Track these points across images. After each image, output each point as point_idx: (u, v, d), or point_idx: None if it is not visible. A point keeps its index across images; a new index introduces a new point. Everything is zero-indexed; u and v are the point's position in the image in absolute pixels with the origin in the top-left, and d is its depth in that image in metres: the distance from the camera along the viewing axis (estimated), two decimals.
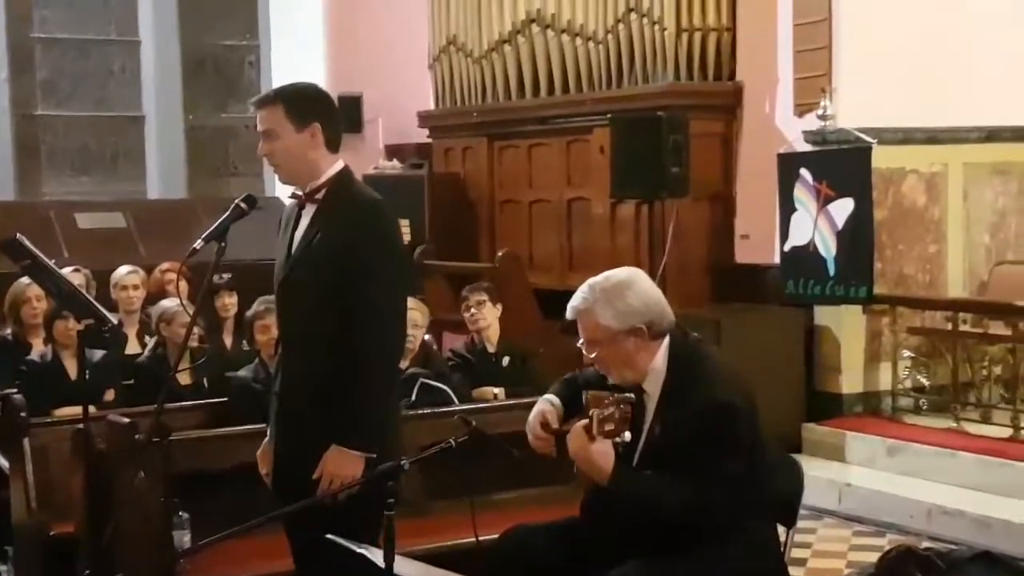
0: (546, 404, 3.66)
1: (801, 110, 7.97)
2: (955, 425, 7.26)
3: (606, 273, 3.57)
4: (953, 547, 2.93)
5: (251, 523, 3.25)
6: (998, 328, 7.35)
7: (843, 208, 7.48)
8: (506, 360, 6.42)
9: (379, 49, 11.01)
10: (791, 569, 3.74)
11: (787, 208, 7.77)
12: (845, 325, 7.82)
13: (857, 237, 7.42)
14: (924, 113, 7.77)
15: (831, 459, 7.43)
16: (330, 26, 11.54)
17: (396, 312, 3.63)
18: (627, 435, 3.40)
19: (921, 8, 7.83)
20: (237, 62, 12.30)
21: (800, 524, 3.91)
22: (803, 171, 7.67)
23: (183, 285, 5.94)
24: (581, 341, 3.56)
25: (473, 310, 6.45)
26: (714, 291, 8.56)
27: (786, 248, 7.82)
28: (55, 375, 5.99)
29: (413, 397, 5.47)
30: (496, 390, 6.17)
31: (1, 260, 5.01)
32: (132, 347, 6.77)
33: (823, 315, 7.91)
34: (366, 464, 3.51)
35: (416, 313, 5.97)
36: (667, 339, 3.53)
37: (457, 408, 5.23)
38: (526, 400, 4.82)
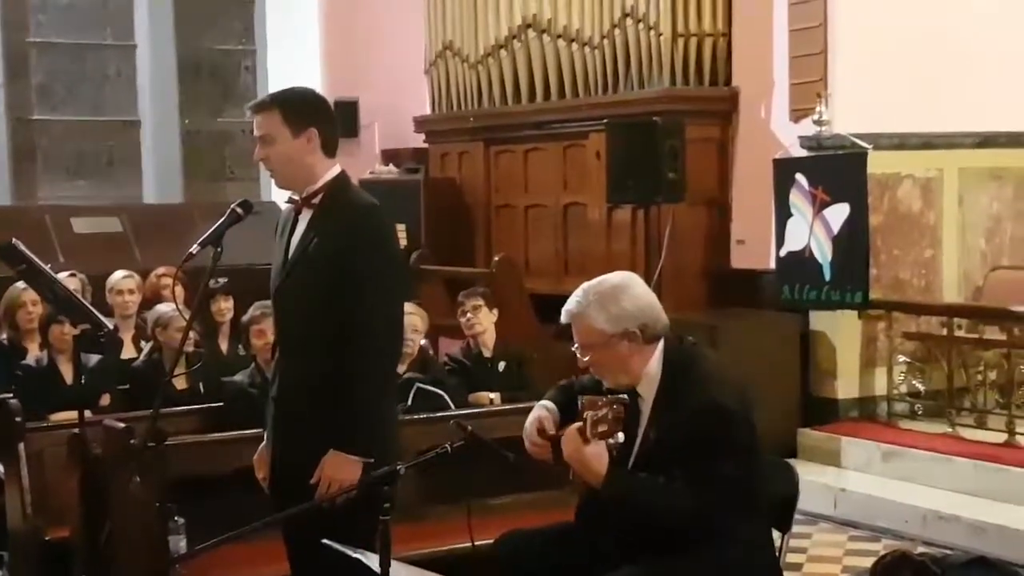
0: (542, 410, 3.67)
1: (797, 115, 7.98)
2: (950, 430, 7.27)
3: (600, 277, 3.58)
4: (948, 552, 2.93)
5: (247, 528, 3.24)
6: (993, 333, 7.37)
7: (839, 213, 7.48)
8: (502, 365, 6.43)
9: (375, 54, 11.02)
10: (786, 574, 3.74)
11: (783, 213, 7.78)
12: (841, 330, 7.83)
13: (853, 242, 7.43)
14: (919, 118, 7.79)
15: (826, 464, 7.43)
16: (326, 31, 11.54)
17: (392, 317, 3.64)
18: (620, 436, 3.41)
19: (916, 14, 7.84)
20: (233, 67, 12.29)
21: (795, 529, 3.92)
22: (799, 176, 7.68)
23: (179, 290, 5.91)
24: (575, 345, 3.56)
25: (469, 315, 6.46)
26: (710, 296, 8.57)
27: (782, 253, 7.83)
28: (51, 380, 5.98)
29: (409, 402, 5.48)
30: (492, 395, 6.18)
31: None
32: (128, 352, 6.77)
33: (819, 320, 7.92)
34: (363, 469, 3.51)
35: (416, 318, 5.98)
36: (661, 343, 3.53)
37: (453, 413, 5.25)
38: (522, 405, 4.83)
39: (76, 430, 4.66)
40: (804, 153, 7.83)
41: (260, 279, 4.14)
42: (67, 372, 5.95)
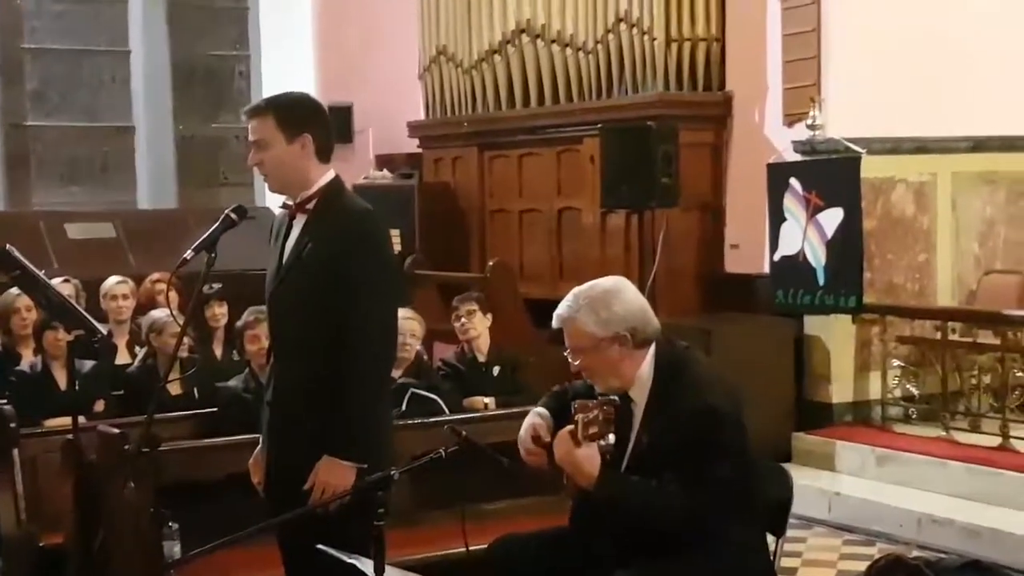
0: (536, 417, 3.67)
1: (790, 120, 7.99)
2: (944, 434, 7.28)
3: (591, 282, 3.60)
4: (942, 556, 2.94)
5: (241, 533, 3.24)
6: (987, 337, 7.37)
7: (832, 218, 7.49)
8: (496, 370, 6.43)
9: (369, 59, 11.02)
10: None
11: (777, 218, 7.79)
12: (835, 334, 7.84)
13: (846, 247, 7.44)
14: (913, 123, 7.80)
15: (821, 468, 7.44)
16: (320, 36, 11.55)
17: (386, 323, 3.64)
18: (611, 437, 3.42)
19: (910, 18, 7.86)
20: (227, 72, 12.29)
21: (790, 533, 3.92)
22: (793, 181, 7.69)
23: (173, 295, 5.95)
24: (567, 350, 3.57)
25: (463, 320, 6.46)
26: (704, 301, 8.58)
27: (776, 258, 7.83)
28: (45, 386, 5.98)
29: (404, 407, 5.48)
30: (487, 400, 6.18)
31: None
32: (122, 357, 6.76)
33: (813, 324, 7.92)
34: (357, 474, 3.51)
35: (414, 323, 5.99)
36: (653, 347, 3.54)
37: (447, 418, 5.24)
38: (517, 410, 4.84)
39: (70, 436, 4.66)
40: (798, 157, 7.84)
41: (254, 285, 4.14)
42: (61, 378, 5.94)
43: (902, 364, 7.72)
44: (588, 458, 3.40)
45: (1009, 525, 6.23)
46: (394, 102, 10.85)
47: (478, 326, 6.46)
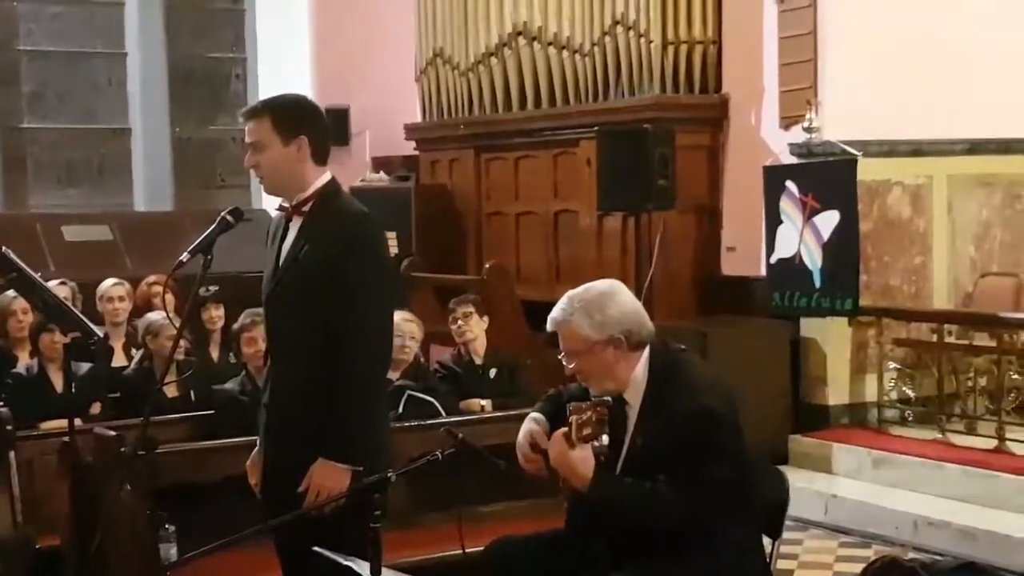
0: (532, 424, 3.67)
1: (787, 123, 8.00)
2: (940, 436, 7.28)
3: (585, 285, 3.60)
4: (938, 558, 2.94)
5: (237, 536, 3.25)
6: (983, 339, 7.38)
7: (829, 220, 7.50)
8: (493, 372, 6.43)
9: (366, 62, 11.02)
10: None
11: (773, 220, 7.80)
12: (831, 337, 7.84)
13: (843, 249, 7.45)
14: (909, 125, 7.81)
15: (817, 470, 7.44)
16: (317, 38, 11.55)
17: (383, 324, 3.64)
18: (605, 438, 3.43)
19: (906, 21, 7.87)
20: (224, 74, 12.29)
21: (786, 535, 3.92)
22: (789, 183, 7.70)
23: (169, 298, 5.93)
24: (561, 353, 3.57)
25: (460, 322, 6.46)
26: (700, 303, 8.58)
27: (772, 260, 7.84)
28: (41, 388, 5.98)
29: (400, 409, 5.48)
30: (483, 402, 6.18)
31: None
32: (119, 360, 6.76)
33: (809, 327, 7.93)
34: (353, 476, 3.51)
35: (413, 326, 6.00)
36: (647, 349, 3.54)
37: (444, 420, 5.24)
38: (513, 412, 4.85)
39: (66, 438, 4.66)
40: (794, 160, 7.85)
41: (251, 287, 4.13)
42: (57, 380, 5.94)
43: (898, 366, 7.72)
44: (582, 460, 3.41)
45: (1005, 527, 6.23)
46: (391, 104, 10.85)
47: (475, 328, 6.46)
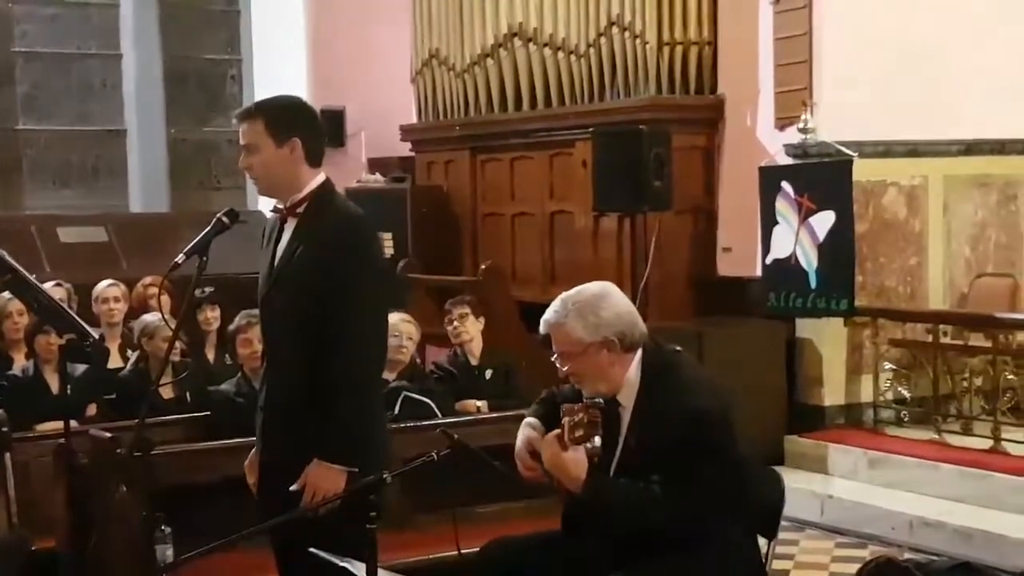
0: (528, 429, 3.65)
1: (782, 123, 8.01)
2: (936, 437, 7.29)
3: (578, 287, 3.59)
4: (934, 558, 2.95)
5: (233, 537, 3.24)
6: (978, 340, 7.39)
7: (824, 221, 7.51)
8: (489, 373, 6.43)
9: (362, 63, 11.02)
10: None
11: (769, 221, 7.80)
12: (827, 337, 7.85)
13: (838, 250, 7.45)
14: (904, 126, 7.82)
15: (813, 471, 7.45)
16: (312, 40, 11.54)
17: (377, 325, 3.64)
18: (597, 440, 3.42)
19: (901, 22, 7.88)
20: (219, 76, 12.29)
21: (782, 536, 3.93)
22: (784, 184, 7.71)
23: (165, 299, 5.93)
24: (555, 355, 3.57)
25: (456, 323, 6.46)
26: (696, 304, 8.58)
27: (768, 261, 7.85)
28: (37, 390, 5.97)
29: (396, 410, 5.48)
30: (479, 403, 6.18)
31: None
32: (114, 361, 6.75)
33: (805, 327, 7.94)
34: (348, 478, 3.51)
35: (410, 327, 6.01)
36: (640, 351, 3.54)
37: (440, 421, 5.24)
38: (509, 413, 4.85)
39: (62, 440, 4.65)
40: (790, 161, 7.86)
41: (247, 288, 4.14)
42: (53, 382, 5.94)
43: (894, 367, 7.73)
44: (575, 461, 3.41)
45: (1001, 527, 6.24)
46: (387, 105, 10.85)
47: (470, 329, 6.46)
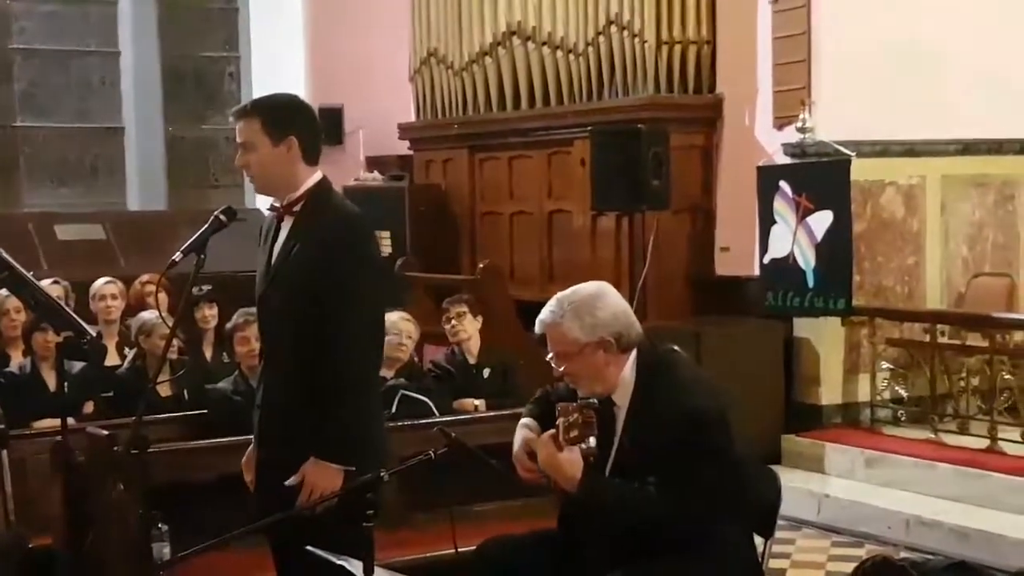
0: (525, 431, 3.64)
1: (781, 123, 8.01)
2: (933, 436, 7.29)
3: (573, 287, 3.58)
4: (930, 557, 2.95)
5: (230, 535, 3.25)
6: (976, 340, 7.39)
7: (822, 220, 7.52)
8: (487, 372, 6.43)
9: (360, 61, 11.02)
10: None
11: (767, 220, 7.81)
12: (824, 337, 7.86)
13: (836, 249, 7.46)
14: (902, 126, 7.83)
15: (810, 470, 7.45)
16: (311, 38, 11.55)
17: (374, 323, 3.64)
18: (592, 440, 3.42)
19: (899, 21, 7.88)
20: (217, 73, 12.28)
21: (779, 535, 3.93)
22: (783, 184, 7.71)
23: (163, 297, 5.94)
24: (550, 355, 3.56)
25: (454, 322, 6.46)
26: (694, 303, 8.58)
27: (766, 260, 7.85)
28: (34, 387, 5.97)
29: (394, 409, 5.48)
30: (477, 402, 6.18)
31: None
32: (112, 359, 6.75)
33: (802, 327, 7.94)
34: (345, 476, 3.51)
35: (409, 325, 6.01)
36: (635, 351, 3.53)
37: (437, 420, 5.24)
38: (507, 412, 4.85)
39: (59, 438, 4.65)
40: (788, 160, 7.86)
41: (244, 286, 4.14)
42: (50, 379, 5.93)
43: (891, 366, 7.74)
44: (570, 462, 3.41)
45: (998, 527, 6.25)
46: (385, 104, 10.85)
47: (468, 328, 6.46)
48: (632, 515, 3.42)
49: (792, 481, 6.80)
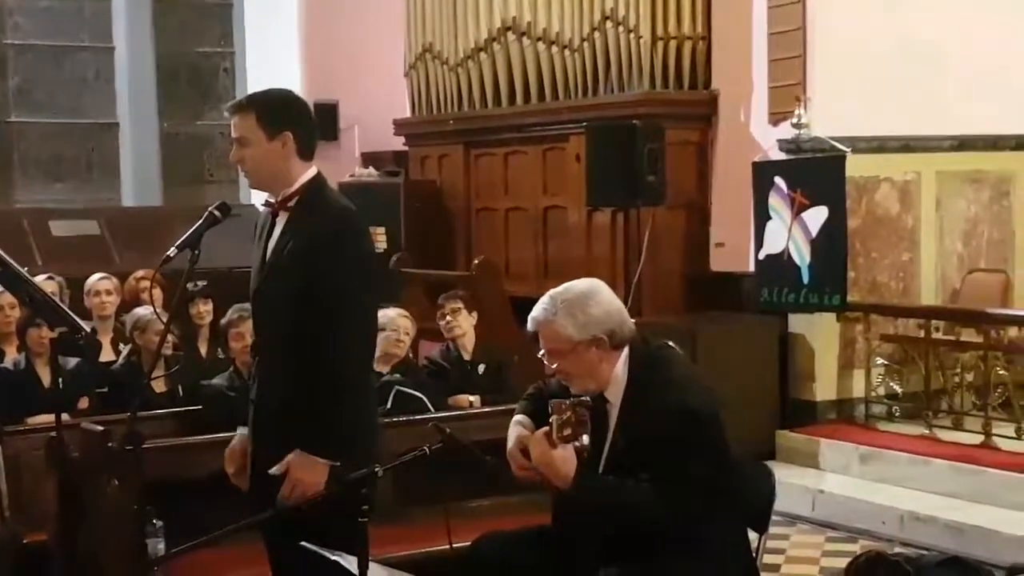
0: (519, 428, 3.63)
1: (776, 119, 8.01)
2: (927, 432, 7.31)
3: (565, 285, 3.57)
4: (924, 552, 2.96)
5: (225, 531, 3.24)
6: (970, 335, 7.41)
7: (817, 216, 7.52)
8: (482, 368, 6.43)
9: (355, 57, 11.01)
10: (763, 575, 3.76)
11: (762, 216, 7.81)
12: (819, 333, 7.86)
13: (831, 245, 7.46)
14: (897, 122, 7.83)
15: (805, 466, 7.46)
16: (306, 34, 11.54)
17: (366, 320, 3.64)
18: (585, 438, 3.42)
19: (894, 17, 7.89)
20: (212, 69, 12.26)
21: (773, 530, 3.94)
22: (778, 179, 7.71)
23: (157, 293, 5.94)
24: (542, 352, 3.56)
25: (449, 318, 6.46)
26: (689, 299, 8.59)
27: (761, 256, 7.85)
28: (28, 383, 5.96)
29: (389, 404, 5.48)
30: (472, 398, 6.18)
31: None
32: (106, 355, 6.74)
33: (797, 323, 7.95)
34: (331, 472, 3.50)
35: (406, 321, 6.01)
36: (627, 347, 3.53)
37: (432, 416, 5.24)
38: (502, 408, 4.85)
39: (54, 433, 4.64)
40: (783, 156, 7.86)
41: (239, 282, 4.13)
42: (45, 375, 5.93)
43: (886, 362, 7.75)
44: (563, 459, 3.40)
45: (992, 522, 6.26)
46: (380, 100, 10.84)
47: (463, 324, 6.46)
48: (626, 512, 3.42)
49: (787, 477, 6.80)
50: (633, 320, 3.61)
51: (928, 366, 7.46)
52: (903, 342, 7.71)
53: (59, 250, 9.30)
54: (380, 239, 9.33)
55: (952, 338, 7.52)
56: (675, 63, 8.53)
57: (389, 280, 8.58)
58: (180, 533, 3.85)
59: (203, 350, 6.98)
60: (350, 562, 3.05)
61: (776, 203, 7.72)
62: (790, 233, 7.64)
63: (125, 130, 11.86)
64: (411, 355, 6.54)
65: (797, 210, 7.60)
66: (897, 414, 7.66)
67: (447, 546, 3.59)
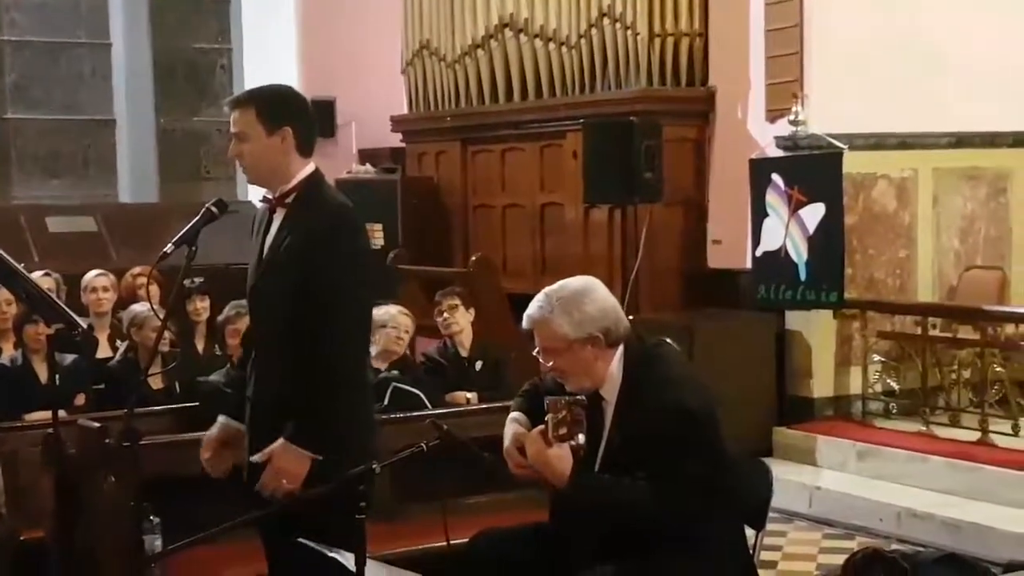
0: (515, 426, 3.62)
1: (773, 116, 8.01)
2: (924, 429, 7.31)
3: (561, 282, 3.56)
4: (920, 549, 2.96)
5: (221, 527, 3.24)
6: (967, 332, 7.41)
7: (814, 213, 7.52)
8: (479, 364, 6.43)
9: (352, 54, 11.00)
10: (761, 572, 3.76)
11: (759, 213, 7.81)
12: (816, 330, 7.87)
13: (828, 242, 7.47)
14: (895, 119, 7.84)
15: (802, 463, 7.47)
16: (303, 30, 11.52)
17: (362, 316, 3.64)
18: (581, 437, 3.41)
19: (892, 14, 7.89)
20: (209, 66, 12.23)
21: (770, 527, 3.94)
22: (775, 176, 7.71)
23: (154, 289, 5.91)
24: (537, 350, 3.55)
25: (446, 314, 6.46)
26: (686, 296, 8.59)
27: (758, 253, 7.86)
28: (25, 380, 5.96)
29: (386, 401, 5.48)
30: (469, 394, 6.18)
31: None
32: (103, 351, 6.74)
33: (794, 320, 7.95)
34: (312, 465, 3.48)
35: (406, 319, 6.02)
36: (623, 345, 3.53)
37: (429, 412, 5.24)
38: (499, 404, 4.84)
39: (50, 430, 4.63)
40: (780, 153, 7.86)
41: (236, 279, 4.13)
42: (42, 372, 5.93)
43: (882, 359, 7.75)
44: (559, 458, 3.40)
45: (989, 519, 6.27)
46: (377, 96, 10.84)
47: (460, 321, 6.46)
48: (622, 511, 3.42)
49: (784, 474, 6.82)
50: (630, 317, 3.61)
51: (925, 363, 7.47)
52: (900, 339, 7.72)
53: (56, 246, 9.29)
54: (377, 236, 9.32)
55: (949, 335, 7.53)
56: (672, 60, 8.53)
57: (386, 277, 8.58)
58: (177, 529, 3.86)
59: (200, 346, 6.98)
60: (347, 559, 3.06)
61: (773, 200, 7.72)
62: (787, 230, 7.64)
63: (122, 127, 11.83)
64: (408, 352, 6.54)
65: (794, 207, 7.60)
66: (894, 411, 7.67)
67: (445, 543, 3.59)
